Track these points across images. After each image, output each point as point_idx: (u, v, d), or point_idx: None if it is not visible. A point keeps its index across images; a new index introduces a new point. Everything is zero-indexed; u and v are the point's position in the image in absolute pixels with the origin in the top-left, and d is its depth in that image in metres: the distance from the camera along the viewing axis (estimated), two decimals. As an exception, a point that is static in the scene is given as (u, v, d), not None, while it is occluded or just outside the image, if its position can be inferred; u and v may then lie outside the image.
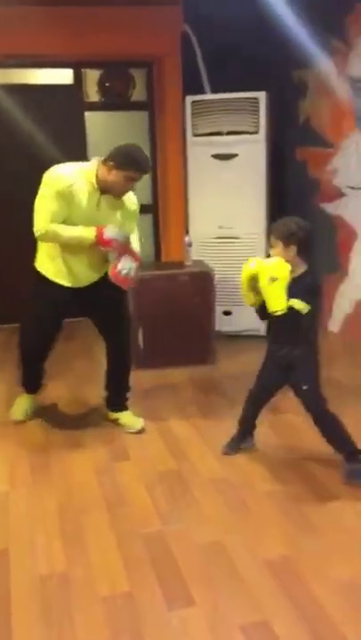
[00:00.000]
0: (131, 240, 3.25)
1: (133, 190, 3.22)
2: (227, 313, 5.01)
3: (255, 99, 4.66)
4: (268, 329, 2.99)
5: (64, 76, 5.36)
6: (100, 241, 3.06)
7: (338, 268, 4.82)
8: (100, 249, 3.11)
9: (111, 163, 3.00)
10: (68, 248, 3.16)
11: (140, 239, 3.42)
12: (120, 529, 2.54)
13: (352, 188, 4.61)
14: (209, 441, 3.29)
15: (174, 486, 2.86)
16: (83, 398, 3.92)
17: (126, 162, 2.99)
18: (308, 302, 2.66)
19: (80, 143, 5.40)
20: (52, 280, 3.24)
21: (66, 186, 3.00)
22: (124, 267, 3.15)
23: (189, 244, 4.54)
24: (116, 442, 3.33)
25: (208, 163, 4.85)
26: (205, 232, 4.97)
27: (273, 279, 2.62)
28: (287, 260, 2.67)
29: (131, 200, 3.27)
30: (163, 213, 5.65)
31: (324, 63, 4.71)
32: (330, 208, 4.88)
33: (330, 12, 4.48)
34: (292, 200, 5.40)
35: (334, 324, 5.00)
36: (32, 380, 3.65)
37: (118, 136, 5.54)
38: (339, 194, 4.78)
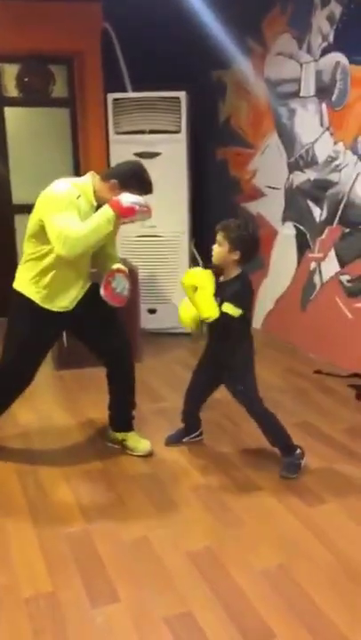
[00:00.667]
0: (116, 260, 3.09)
1: None
2: (151, 311, 5.03)
3: (177, 98, 4.71)
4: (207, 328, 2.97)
5: (-19, 70, 5.23)
6: (121, 212, 2.68)
7: (261, 266, 4.93)
8: (124, 221, 2.73)
9: (114, 181, 2.79)
10: (62, 267, 2.82)
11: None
12: (43, 530, 2.50)
13: (272, 187, 4.73)
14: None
15: (98, 484, 2.85)
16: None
17: (132, 183, 2.79)
18: (238, 306, 2.67)
19: (0, 139, 5.28)
20: (43, 307, 2.89)
21: (75, 197, 2.74)
22: (119, 285, 2.94)
23: (112, 242, 4.51)
24: (40, 442, 3.28)
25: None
26: (128, 230, 4.95)
27: (195, 288, 2.65)
28: (225, 262, 2.70)
29: None
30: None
31: (241, 64, 4.80)
32: (251, 207, 4.98)
33: (247, 13, 4.58)
34: (213, 199, 5.48)
35: (257, 320, 5.11)
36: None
37: (39, 132, 5.50)
38: (259, 193, 4.89)
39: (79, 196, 2.78)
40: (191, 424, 3.20)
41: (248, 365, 2.90)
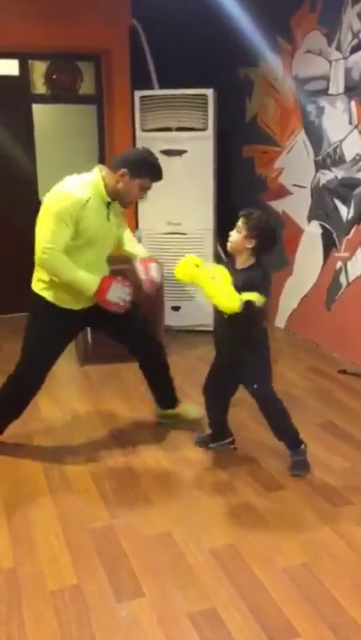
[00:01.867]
0: (129, 240, 3.14)
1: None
2: (175, 308, 5.04)
3: (204, 95, 4.70)
4: (214, 327, 2.92)
5: (9, 67, 5.26)
6: (99, 298, 2.81)
7: (285, 265, 4.91)
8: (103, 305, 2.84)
9: (124, 170, 2.79)
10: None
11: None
12: (68, 523, 2.53)
13: (298, 185, 4.70)
14: (157, 435, 3.31)
15: (122, 479, 2.87)
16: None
17: (143, 170, 2.80)
18: (263, 293, 2.59)
19: (27, 136, 5.33)
20: (63, 307, 2.92)
21: (79, 207, 2.74)
22: (113, 294, 2.83)
23: (139, 239, 4.53)
24: (65, 437, 3.31)
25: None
26: (154, 227, 4.98)
27: (213, 277, 2.54)
28: (239, 248, 2.67)
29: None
30: (111, 208, 5.62)
31: (270, 62, 4.79)
32: (276, 205, 4.96)
33: (276, 10, 4.55)
34: (238, 197, 5.47)
35: (280, 320, 5.10)
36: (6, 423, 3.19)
37: (67, 129, 5.54)
38: (285, 191, 4.87)
39: (89, 199, 2.75)
40: (219, 432, 3.11)
41: (262, 363, 2.85)
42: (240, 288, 2.52)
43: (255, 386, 2.84)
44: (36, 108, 5.34)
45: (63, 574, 2.23)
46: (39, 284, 2.97)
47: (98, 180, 2.83)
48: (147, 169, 2.82)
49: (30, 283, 3.05)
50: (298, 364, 4.34)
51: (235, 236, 2.69)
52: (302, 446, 2.91)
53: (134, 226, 5.09)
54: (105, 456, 3.09)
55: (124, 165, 2.80)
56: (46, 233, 2.77)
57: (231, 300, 2.49)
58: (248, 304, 2.53)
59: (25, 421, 3.45)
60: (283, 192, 4.89)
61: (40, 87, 5.35)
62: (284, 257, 4.93)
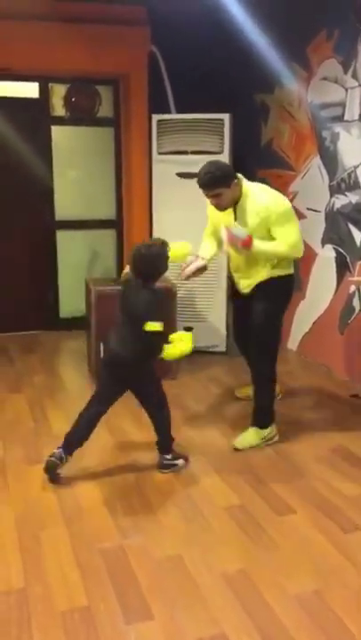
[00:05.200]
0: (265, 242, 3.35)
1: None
2: (188, 329, 5.04)
3: (220, 120, 4.76)
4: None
5: (30, 90, 5.37)
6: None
7: (298, 288, 4.92)
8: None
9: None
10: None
11: (277, 250, 3.36)
12: (78, 543, 2.53)
13: (312, 210, 4.73)
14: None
15: (133, 500, 2.87)
16: (42, 412, 3.89)
17: None
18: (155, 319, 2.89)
19: (46, 157, 5.41)
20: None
21: None
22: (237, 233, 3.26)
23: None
24: (76, 456, 3.30)
25: (172, 180, 4.91)
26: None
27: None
28: None
29: (259, 206, 3.28)
30: (127, 229, 5.69)
31: (286, 88, 4.85)
32: (290, 229, 4.98)
33: (293, 39, 4.62)
34: (253, 220, 5.51)
35: (293, 342, 5.10)
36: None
37: (84, 151, 5.62)
38: (299, 215, 4.89)
39: None
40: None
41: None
42: None
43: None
44: (54, 129, 5.43)
45: (73, 595, 2.22)
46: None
47: None
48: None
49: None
50: (310, 388, 4.33)
51: None
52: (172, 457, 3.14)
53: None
54: (116, 475, 3.09)
55: None
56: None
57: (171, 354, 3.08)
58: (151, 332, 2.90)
59: (36, 439, 3.48)
60: (297, 216, 4.90)
61: (59, 109, 5.44)
62: (297, 280, 4.93)
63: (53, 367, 4.79)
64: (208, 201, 3.39)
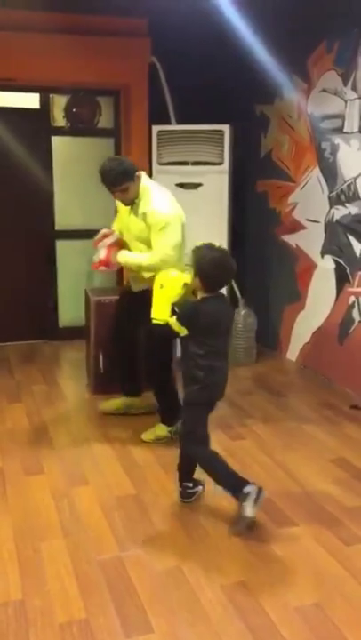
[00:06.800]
0: (134, 253, 3.47)
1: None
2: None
3: (220, 131, 4.79)
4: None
5: (31, 101, 5.39)
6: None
7: (297, 298, 4.93)
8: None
9: None
10: None
11: (143, 262, 3.41)
12: (77, 555, 2.51)
13: (312, 220, 4.74)
14: (167, 466, 3.29)
15: (132, 512, 2.85)
16: (41, 422, 3.87)
17: None
18: (183, 324, 2.63)
19: (46, 167, 5.42)
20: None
21: None
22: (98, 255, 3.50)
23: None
24: (75, 467, 3.30)
25: (173, 191, 4.88)
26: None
27: (161, 286, 2.69)
28: (194, 286, 2.70)
29: (147, 210, 3.33)
30: (126, 239, 5.69)
31: (286, 99, 4.88)
32: (290, 239, 5.00)
33: (293, 50, 4.65)
34: (251, 230, 5.52)
35: (292, 352, 5.09)
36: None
37: (84, 161, 5.63)
38: (299, 226, 4.91)
39: None
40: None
41: (194, 405, 2.77)
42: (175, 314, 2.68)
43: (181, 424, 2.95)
44: (55, 139, 5.45)
45: (72, 607, 2.20)
46: None
47: None
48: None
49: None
50: (310, 399, 4.32)
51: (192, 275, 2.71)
52: (247, 488, 2.66)
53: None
54: (114, 487, 3.07)
55: None
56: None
57: (158, 313, 2.67)
58: (166, 324, 2.66)
59: (35, 450, 3.47)
60: (296, 227, 4.93)
61: (60, 120, 5.46)
62: (296, 290, 4.95)
63: (53, 377, 4.77)
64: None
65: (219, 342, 2.75)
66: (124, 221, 3.52)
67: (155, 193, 3.41)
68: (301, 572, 2.43)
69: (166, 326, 2.67)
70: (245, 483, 2.66)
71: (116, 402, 3.98)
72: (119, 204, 3.59)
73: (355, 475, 3.22)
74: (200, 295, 2.73)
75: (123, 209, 3.55)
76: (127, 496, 2.99)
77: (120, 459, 3.39)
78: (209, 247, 2.74)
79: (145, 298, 3.24)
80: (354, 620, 2.16)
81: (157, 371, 3.59)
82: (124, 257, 3.47)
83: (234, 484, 2.68)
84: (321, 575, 2.40)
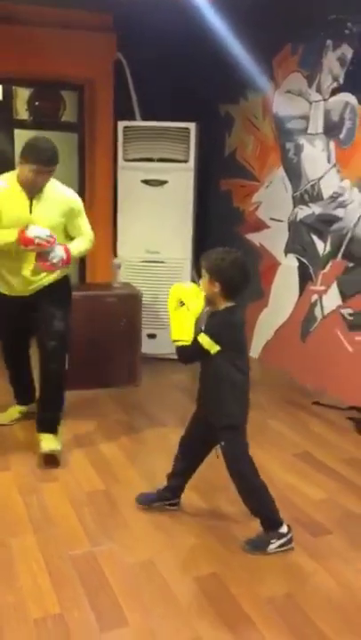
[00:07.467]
0: (73, 243, 3.27)
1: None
2: (151, 336, 5.05)
3: (186, 129, 4.81)
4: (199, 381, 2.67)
5: (-7, 92, 5.31)
6: (20, 240, 3.04)
7: (260, 296, 5.00)
8: (22, 249, 3.08)
9: (19, 159, 3.10)
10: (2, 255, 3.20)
11: (86, 248, 3.39)
12: (49, 551, 2.49)
13: (275, 219, 4.81)
14: (135, 461, 3.31)
15: (102, 507, 2.85)
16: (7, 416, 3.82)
17: (26, 154, 3.04)
18: (215, 341, 2.43)
19: (8, 160, 5.33)
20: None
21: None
22: (33, 232, 3.04)
23: (119, 267, 4.57)
24: (38, 460, 3.26)
25: (138, 187, 4.93)
26: (132, 255, 5.02)
27: (181, 303, 2.43)
28: (209, 294, 2.46)
29: (67, 197, 3.26)
30: (90, 235, 5.66)
31: (250, 99, 4.93)
32: (253, 238, 5.07)
33: (258, 51, 4.70)
34: (215, 228, 5.56)
35: (255, 350, 5.16)
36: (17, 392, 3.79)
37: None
38: (262, 225, 4.98)
39: (4, 188, 3.12)
40: (173, 487, 2.79)
41: (238, 428, 2.58)
42: (205, 331, 2.46)
43: (222, 443, 2.56)
44: (17, 132, 5.38)
45: (46, 603, 2.19)
46: None
47: (15, 172, 3.16)
48: (27, 153, 3.04)
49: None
50: (273, 395, 4.38)
51: (202, 282, 2.49)
52: (282, 529, 2.53)
53: (112, 253, 5.13)
54: (83, 483, 3.06)
55: (20, 155, 3.11)
56: None
57: (181, 333, 2.42)
58: (196, 344, 2.43)
59: (0, 445, 3.42)
60: (260, 225, 5.00)
61: (22, 113, 5.39)
62: (259, 288, 5.01)
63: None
64: None
65: (245, 356, 2.60)
66: (19, 213, 3.10)
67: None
68: (272, 563, 2.47)
69: (192, 346, 2.42)
70: (281, 521, 2.55)
71: (11, 412, 3.76)
72: (4, 207, 3.11)
73: (318, 468, 3.29)
74: (222, 305, 2.48)
75: (15, 210, 3.11)
76: (96, 491, 2.99)
77: (87, 454, 3.37)
78: (223, 250, 2.50)
79: (53, 292, 3.30)
80: (324, 608, 2.21)
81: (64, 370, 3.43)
82: (76, 249, 3.26)
83: (275, 518, 2.54)
84: (291, 566, 2.45)
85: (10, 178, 3.18)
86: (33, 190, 3.12)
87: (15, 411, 3.76)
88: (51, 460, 3.19)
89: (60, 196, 3.23)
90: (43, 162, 3.03)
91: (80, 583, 2.30)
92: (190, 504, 2.88)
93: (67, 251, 3.18)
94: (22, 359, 3.69)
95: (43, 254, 3.11)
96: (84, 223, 3.35)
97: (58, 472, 3.15)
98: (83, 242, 3.34)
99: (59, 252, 3.13)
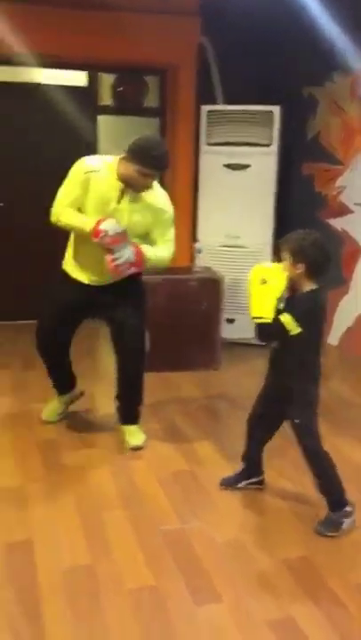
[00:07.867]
0: (150, 248, 3.07)
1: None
2: (230, 320, 5.07)
3: (270, 112, 4.77)
4: (270, 356, 2.69)
5: (78, 79, 5.40)
6: (93, 229, 2.89)
7: (342, 282, 4.91)
8: (94, 240, 2.90)
9: (126, 154, 2.90)
10: (82, 242, 3.07)
11: (163, 256, 3.14)
12: (140, 526, 2.56)
13: (360, 204, 4.71)
14: (218, 443, 3.34)
15: (189, 486, 2.90)
16: (92, 399, 3.91)
17: (137, 155, 2.85)
18: (302, 324, 2.43)
19: (91, 146, 5.43)
20: (71, 276, 3.18)
21: (83, 171, 2.96)
22: (121, 255, 2.91)
23: (199, 251, 4.60)
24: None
25: (220, 171, 4.93)
26: (212, 240, 5.04)
27: (263, 281, 2.44)
28: (293, 277, 2.46)
29: (159, 205, 3.07)
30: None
31: (338, 81, 4.82)
32: (336, 223, 4.98)
33: (348, 33, 4.58)
34: (296, 213, 5.49)
35: (334, 337, 5.09)
36: (58, 382, 3.55)
37: (130, 140, 5.63)
38: (346, 210, 4.88)
39: (96, 171, 2.95)
40: (250, 467, 2.86)
41: (309, 400, 2.58)
42: (289, 312, 2.45)
43: (296, 421, 2.58)
44: (101, 118, 5.46)
45: (140, 574, 2.26)
46: (65, 258, 3.25)
47: (113, 161, 2.99)
48: (139, 155, 2.86)
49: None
50: (354, 383, 4.33)
51: (284, 265, 2.49)
52: (347, 508, 2.57)
53: (192, 237, 5.16)
54: (170, 463, 3.12)
55: (127, 150, 2.91)
56: (57, 196, 3.06)
57: (262, 310, 2.42)
58: (277, 323, 2.42)
59: (88, 428, 3.52)
60: (343, 210, 4.91)
61: (106, 99, 5.47)
62: (340, 275, 4.93)
63: (98, 355, 4.82)
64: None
65: (322, 337, 2.62)
66: (107, 201, 2.98)
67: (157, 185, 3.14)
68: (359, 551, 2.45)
69: (273, 325, 2.43)
70: (347, 501, 2.58)
71: (54, 405, 3.58)
72: (94, 190, 2.96)
73: None
74: (306, 287, 2.49)
75: (104, 196, 2.97)
76: (182, 471, 3.04)
77: (171, 435, 3.44)
78: (303, 232, 2.50)
79: (127, 289, 3.10)
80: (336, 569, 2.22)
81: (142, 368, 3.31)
82: (153, 253, 3.06)
83: (340, 497, 2.57)
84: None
85: (104, 164, 2.99)
86: (134, 187, 2.97)
87: (59, 402, 3.58)
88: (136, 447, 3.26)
89: (153, 200, 3.05)
90: (157, 168, 2.94)
91: (172, 558, 2.35)
92: (277, 486, 2.89)
93: (138, 254, 2.97)
94: (62, 348, 3.41)
95: (111, 251, 2.92)
96: (168, 235, 3.13)
97: (144, 453, 3.22)
98: (162, 250, 3.11)
99: (126, 254, 2.93)
